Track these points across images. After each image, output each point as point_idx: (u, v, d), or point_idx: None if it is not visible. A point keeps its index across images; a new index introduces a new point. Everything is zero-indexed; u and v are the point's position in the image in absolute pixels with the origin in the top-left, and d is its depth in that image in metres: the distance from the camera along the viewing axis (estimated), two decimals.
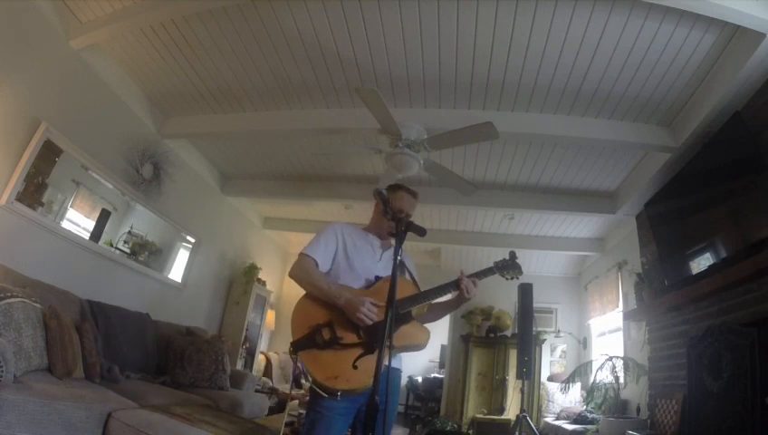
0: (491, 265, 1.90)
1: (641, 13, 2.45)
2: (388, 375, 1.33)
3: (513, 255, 1.92)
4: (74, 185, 3.38)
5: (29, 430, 1.87)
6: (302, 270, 1.73)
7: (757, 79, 2.58)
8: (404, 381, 8.30)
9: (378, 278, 1.78)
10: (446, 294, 1.80)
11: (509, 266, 1.89)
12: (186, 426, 2.34)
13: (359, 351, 1.58)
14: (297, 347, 1.60)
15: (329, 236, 1.83)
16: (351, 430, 1.68)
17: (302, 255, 1.78)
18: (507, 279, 1.93)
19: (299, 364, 1.57)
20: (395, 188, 1.95)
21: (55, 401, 2.02)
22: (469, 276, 1.81)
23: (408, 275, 1.85)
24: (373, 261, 1.84)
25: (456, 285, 1.78)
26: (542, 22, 2.61)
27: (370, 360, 1.53)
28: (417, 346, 1.73)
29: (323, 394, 1.52)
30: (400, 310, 1.67)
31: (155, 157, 4.06)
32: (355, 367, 1.54)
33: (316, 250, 1.78)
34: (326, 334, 1.60)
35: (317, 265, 1.75)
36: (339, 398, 1.52)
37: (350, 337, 1.60)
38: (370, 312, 1.60)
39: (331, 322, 1.63)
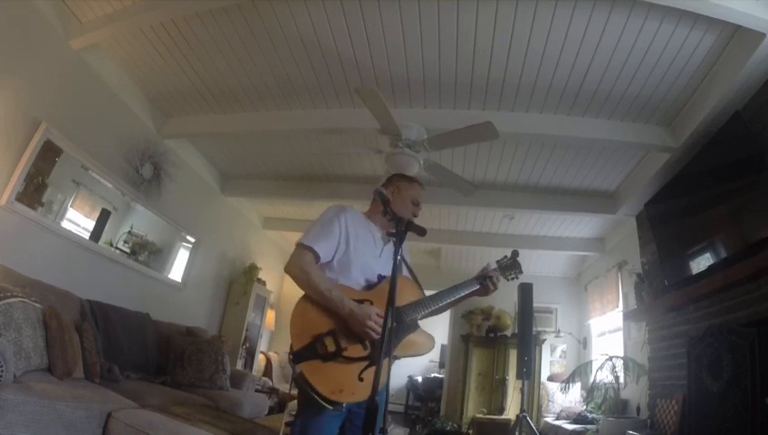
0: (493, 265, 1.83)
1: (641, 13, 2.45)
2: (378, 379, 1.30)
3: (515, 253, 1.85)
4: (74, 185, 3.38)
5: (29, 430, 1.87)
6: (300, 269, 1.56)
7: (757, 79, 2.58)
8: (404, 380, 8.30)
9: (381, 278, 1.67)
10: (464, 293, 1.72)
11: (511, 266, 1.82)
12: (186, 426, 2.34)
13: (363, 363, 1.50)
14: (298, 357, 1.48)
15: (331, 225, 1.64)
16: (340, 430, 1.62)
17: (300, 246, 1.60)
18: (508, 279, 1.85)
19: (304, 378, 1.47)
20: (411, 179, 1.88)
21: (55, 401, 2.01)
22: (479, 276, 1.75)
23: (407, 272, 1.75)
24: (374, 256, 1.70)
25: (483, 279, 1.74)
26: (542, 22, 2.61)
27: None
28: (421, 354, 1.67)
29: (328, 407, 1.44)
30: (406, 318, 1.59)
31: (155, 157, 4.06)
32: (361, 379, 1.47)
33: (317, 240, 1.60)
34: (329, 345, 1.49)
35: (318, 258, 1.58)
36: (343, 410, 1.47)
37: (356, 349, 1.51)
38: (377, 325, 1.50)
39: (334, 330, 1.51)
